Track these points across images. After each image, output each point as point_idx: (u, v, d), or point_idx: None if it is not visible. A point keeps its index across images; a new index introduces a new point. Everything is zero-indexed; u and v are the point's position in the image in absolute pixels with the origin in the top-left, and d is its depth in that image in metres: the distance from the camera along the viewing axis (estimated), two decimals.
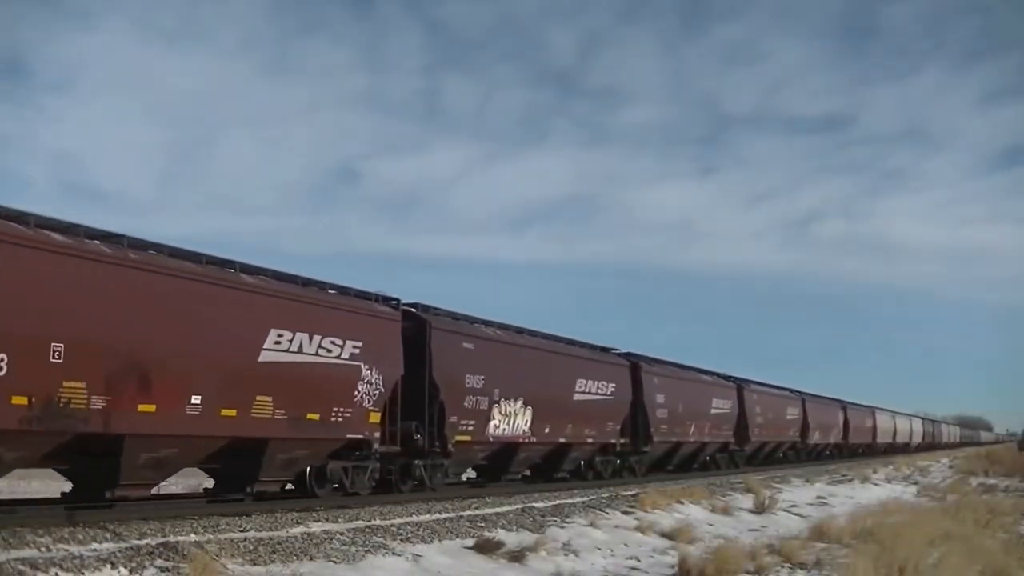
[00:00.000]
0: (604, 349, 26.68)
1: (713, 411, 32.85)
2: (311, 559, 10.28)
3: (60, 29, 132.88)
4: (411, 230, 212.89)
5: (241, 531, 11.39)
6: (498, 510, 15.94)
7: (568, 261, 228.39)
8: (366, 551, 11.06)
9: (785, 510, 21.44)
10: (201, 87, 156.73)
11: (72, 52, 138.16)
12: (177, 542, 9.98)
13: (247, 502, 14.31)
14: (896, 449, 69.03)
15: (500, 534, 13.16)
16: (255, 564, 9.73)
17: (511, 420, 20.23)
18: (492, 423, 19.56)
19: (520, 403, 20.55)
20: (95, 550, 9.32)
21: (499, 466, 21.59)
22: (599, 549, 13.69)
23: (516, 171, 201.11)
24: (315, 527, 12.23)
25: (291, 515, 13.28)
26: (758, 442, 38.05)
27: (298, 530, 11.84)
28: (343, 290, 16.35)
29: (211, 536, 10.73)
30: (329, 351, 15.13)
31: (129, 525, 11.08)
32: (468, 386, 18.79)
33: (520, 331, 22.20)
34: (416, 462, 17.72)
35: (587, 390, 23.88)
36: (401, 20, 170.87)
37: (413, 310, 18.32)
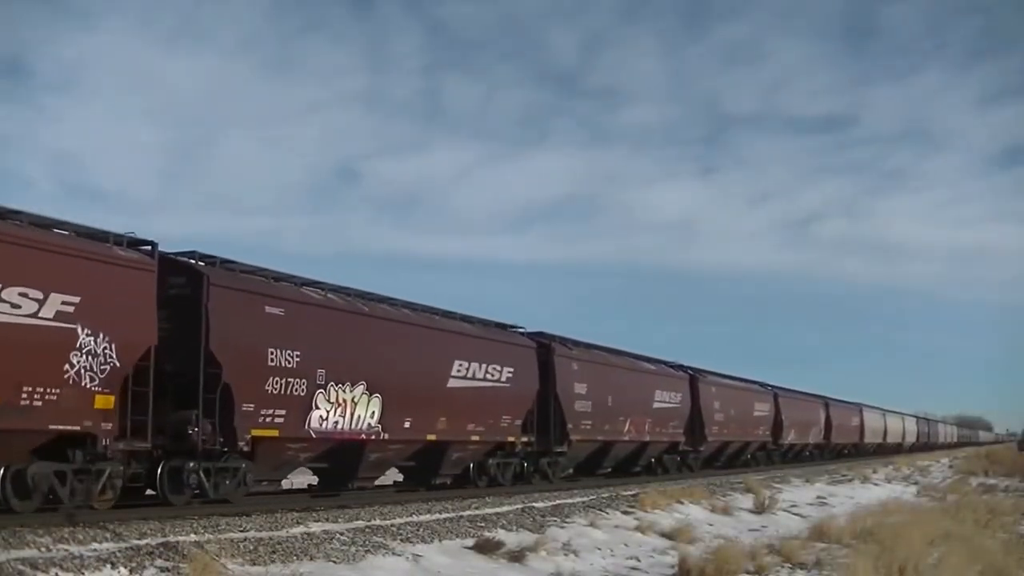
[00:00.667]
0: (502, 326, 21.92)
1: (656, 405, 28.28)
2: (311, 559, 10.28)
3: (60, 29, 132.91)
4: (412, 230, 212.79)
5: (241, 531, 11.39)
6: (498, 510, 15.94)
7: (568, 261, 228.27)
8: (366, 551, 11.06)
9: (785, 510, 21.43)
10: (202, 87, 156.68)
11: (73, 52, 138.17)
12: (177, 542, 9.98)
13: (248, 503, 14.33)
14: (887, 450, 66.01)
15: (500, 534, 13.16)
16: (255, 564, 9.73)
17: (346, 411, 15.78)
18: (316, 414, 15.09)
19: (361, 389, 16.12)
20: (95, 550, 9.32)
21: (341, 470, 17.10)
22: (599, 549, 13.69)
23: (517, 171, 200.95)
24: (315, 527, 12.22)
25: (291, 515, 13.27)
26: (717, 442, 33.93)
27: (298, 530, 11.84)
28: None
29: (211, 536, 10.72)
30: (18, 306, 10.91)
31: (129, 525, 11.08)
32: (273, 364, 14.35)
33: (367, 296, 17.63)
34: (191, 464, 13.52)
35: (470, 375, 19.14)
36: (402, 20, 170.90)
37: (188, 260, 14.23)
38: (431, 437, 18.15)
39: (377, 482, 18.98)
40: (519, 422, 21.01)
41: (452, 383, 18.77)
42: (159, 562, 9.15)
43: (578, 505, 17.75)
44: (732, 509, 20.13)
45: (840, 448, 54.60)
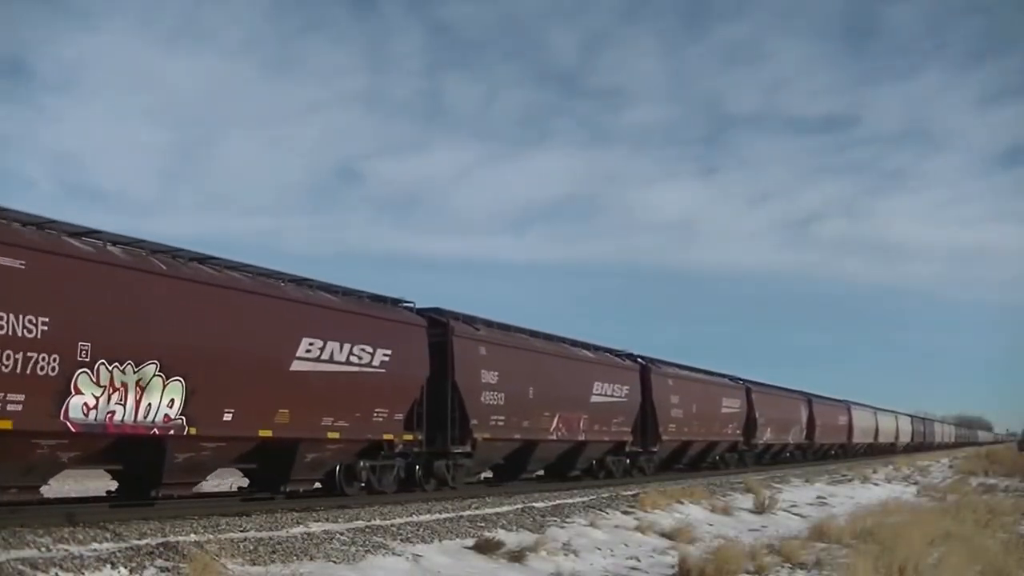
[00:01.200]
0: (380, 298, 17.68)
1: (596, 399, 24.52)
2: (311, 559, 10.28)
3: (61, 29, 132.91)
4: (412, 230, 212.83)
5: (241, 531, 11.39)
6: (498, 510, 15.94)
7: (569, 261, 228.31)
8: (366, 551, 11.06)
9: (785, 510, 21.43)
10: (202, 87, 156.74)
11: (73, 52, 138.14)
12: (177, 542, 9.97)
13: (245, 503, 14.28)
14: (878, 451, 62.50)
15: (500, 534, 13.16)
16: (255, 564, 9.73)
17: (128, 398, 12.10)
18: (76, 401, 11.44)
19: (152, 370, 12.39)
20: (95, 550, 9.31)
21: (142, 471, 13.27)
22: (599, 549, 13.69)
23: (517, 171, 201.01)
24: (315, 527, 12.22)
25: (291, 515, 13.28)
26: (675, 442, 30.18)
27: (298, 530, 11.84)
28: None
29: (211, 536, 10.72)
30: None
31: (129, 525, 11.08)
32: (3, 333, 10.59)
33: (176, 253, 13.77)
34: None
35: (326, 357, 15.29)
36: (403, 20, 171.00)
37: None
38: (266, 433, 14.13)
39: (163, 492, 13.50)
40: (400, 416, 17.05)
41: (299, 366, 14.74)
42: (159, 562, 9.14)
43: (578, 505, 17.75)
44: (732, 509, 20.13)
45: (825, 449, 51.08)
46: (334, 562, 10.39)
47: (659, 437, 28.32)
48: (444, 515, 14.78)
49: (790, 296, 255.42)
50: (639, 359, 28.70)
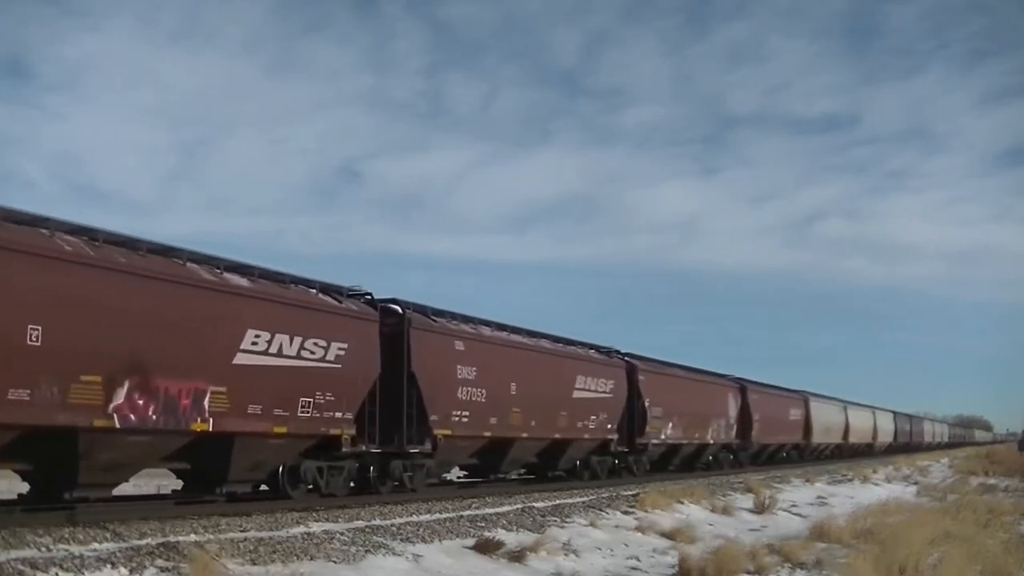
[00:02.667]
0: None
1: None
2: (311, 559, 10.27)
3: (64, 29, 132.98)
4: (413, 230, 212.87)
5: (241, 531, 11.39)
6: (498, 510, 15.94)
7: (570, 261, 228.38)
8: (366, 551, 11.06)
9: (785, 510, 21.45)
10: (204, 87, 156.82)
11: (76, 52, 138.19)
12: (177, 542, 9.97)
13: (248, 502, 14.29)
14: (849, 452, 53.46)
15: (500, 534, 13.16)
16: (255, 564, 9.72)
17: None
18: None
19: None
20: (95, 550, 9.31)
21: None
22: (599, 549, 13.69)
23: (519, 171, 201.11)
24: (315, 527, 12.22)
25: (291, 515, 13.28)
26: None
27: (298, 530, 11.84)
28: None
29: (211, 536, 10.72)
30: None
31: (129, 525, 11.08)
32: None
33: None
34: None
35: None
36: (405, 21, 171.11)
37: None
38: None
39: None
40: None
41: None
42: (159, 562, 9.14)
43: (578, 505, 17.76)
44: (732, 509, 20.14)
45: (772, 451, 41.05)
46: (334, 562, 10.39)
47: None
48: (444, 515, 14.78)
49: (790, 296, 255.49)
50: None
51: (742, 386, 36.37)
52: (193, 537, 10.52)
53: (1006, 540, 15.31)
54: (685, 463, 32.11)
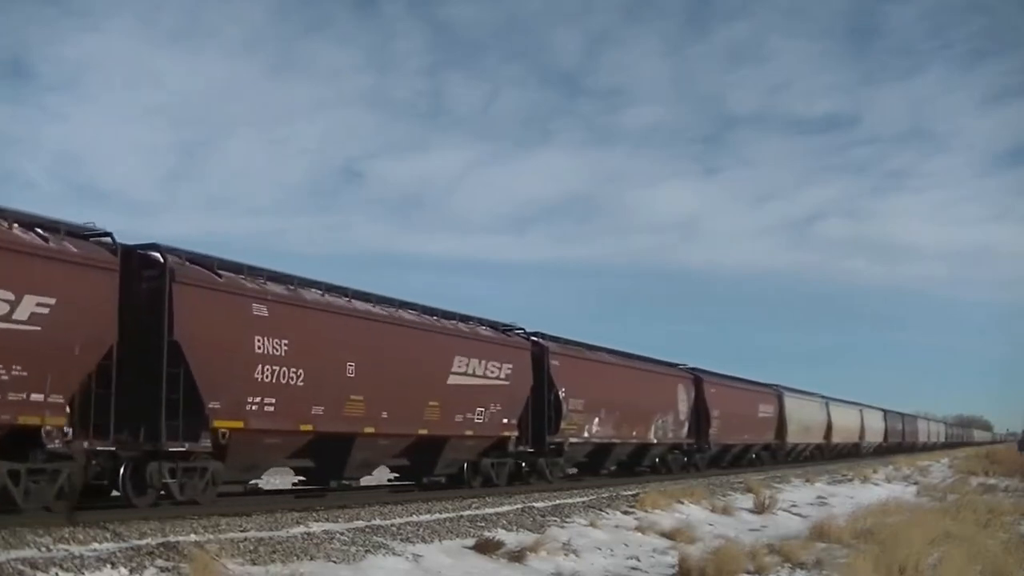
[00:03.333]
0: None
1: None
2: (311, 559, 10.27)
3: (65, 29, 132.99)
4: (414, 230, 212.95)
5: (241, 531, 11.39)
6: (498, 510, 15.94)
7: (570, 261, 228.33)
8: (366, 551, 11.06)
9: (785, 510, 21.44)
10: (205, 87, 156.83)
11: (77, 52, 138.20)
12: (177, 542, 9.97)
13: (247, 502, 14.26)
14: (832, 453, 49.25)
15: (500, 534, 13.16)
16: (255, 564, 9.72)
17: None
18: None
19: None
20: (95, 550, 9.31)
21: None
22: (599, 549, 13.69)
23: (519, 171, 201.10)
24: (315, 527, 12.22)
25: (291, 515, 13.27)
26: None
27: (298, 530, 11.84)
28: None
29: (211, 536, 10.72)
30: None
31: (129, 525, 11.07)
32: None
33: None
34: None
35: None
36: (406, 21, 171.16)
37: None
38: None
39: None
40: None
41: None
42: (159, 562, 9.14)
43: (578, 505, 17.76)
44: (732, 509, 20.14)
45: (739, 451, 36.93)
46: (334, 562, 10.39)
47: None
48: (444, 515, 14.78)
49: (791, 296, 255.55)
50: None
51: (696, 377, 32.19)
52: (193, 537, 10.52)
53: (1006, 540, 15.32)
54: (623, 467, 28.10)
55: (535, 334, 22.93)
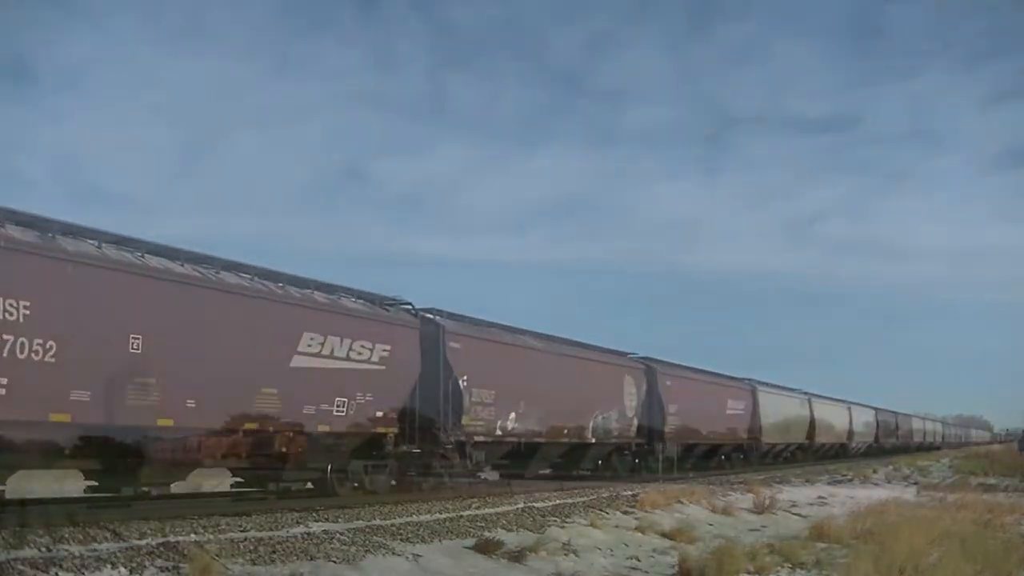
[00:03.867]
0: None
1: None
2: (311, 559, 10.27)
3: (66, 29, 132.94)
4: (416, 230, 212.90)
5: (241, 531, 11.39)
6: (498, 510, 15.94)
7: (572, 261, 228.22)
8: (366, 551, 11.06)
9: (785, 510, 21.43)
10: (206, 87, 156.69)
11: (78, 52, 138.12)
12: (177, 542, 9.97)
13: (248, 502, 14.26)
14: (815, 454, 46.02)
15: (500, 534, 13.16)
16: (255, 564, 9.72)
17: None
18: None
19: None
20: (95, 550, 9.30)
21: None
22: (599, 549, 13.69)
23: (521, 171, 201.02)
24: (315, 527, 12.22)
25: (291, 515, 13.27)
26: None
27: (298, 530, 11.84)
28: None
29: (211, 536, 10.72)
30: None
31: (129, 525, 11.06)
32: None
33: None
34: None
35: None
36: (408, 21, 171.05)
37: None
38: None
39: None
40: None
41: None
42: (159, 562, 9.13)
43: (578, 505, 17.76)
44: (732, 509, 20.13)
45: (703, 452, 33.33)
46: (334, 562, 10.38)
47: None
48: (444, 515, 14.78)
49: (792, 296, 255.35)
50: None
51: (649, 367, 28.92)
52: (193, 537, 10.52)
53: (1006, 540, 15.30)
54: (557, 468, 24.92)
55: (427, 310, 19.56)
